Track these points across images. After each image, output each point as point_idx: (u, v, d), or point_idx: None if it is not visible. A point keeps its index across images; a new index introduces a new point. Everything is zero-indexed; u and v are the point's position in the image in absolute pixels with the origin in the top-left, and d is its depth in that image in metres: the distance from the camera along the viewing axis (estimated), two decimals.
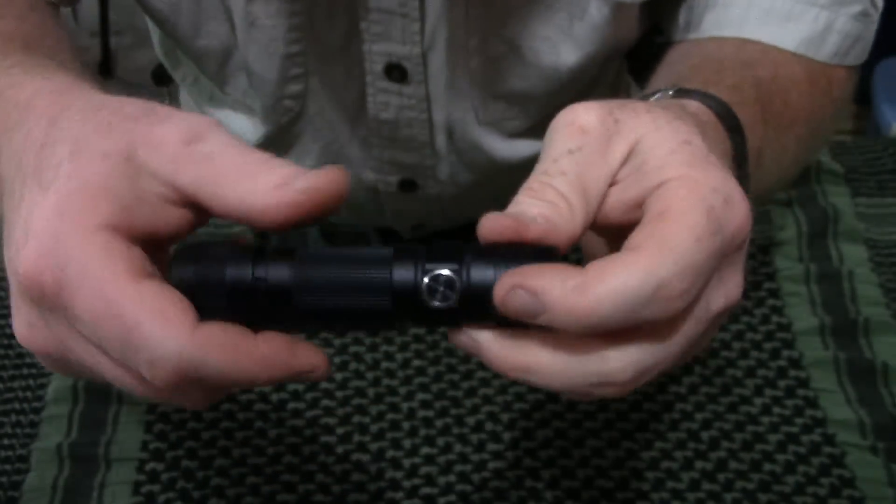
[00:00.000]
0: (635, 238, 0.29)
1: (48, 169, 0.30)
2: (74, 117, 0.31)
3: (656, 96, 0.39)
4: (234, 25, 0.51)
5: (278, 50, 0.51)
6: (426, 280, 0.29)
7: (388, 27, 0.49)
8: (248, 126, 0.59)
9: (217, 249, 0.30)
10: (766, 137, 0.43)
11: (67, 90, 0.34)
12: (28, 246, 0.29)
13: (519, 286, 0.28)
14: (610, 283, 0.27)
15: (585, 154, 0.31)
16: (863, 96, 1.59)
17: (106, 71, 2.17)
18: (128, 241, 0.29)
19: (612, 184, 0.31)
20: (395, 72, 0.51)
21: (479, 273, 0.29)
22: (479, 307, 0.29)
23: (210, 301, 0.29)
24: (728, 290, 0.31)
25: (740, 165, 0.39)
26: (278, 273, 0.29)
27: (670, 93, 0.39)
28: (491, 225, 0.29)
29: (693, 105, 0.37)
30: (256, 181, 0.29)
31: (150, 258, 0.30)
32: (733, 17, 0.48)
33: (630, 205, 0.31)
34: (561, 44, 0.51)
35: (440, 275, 0.29)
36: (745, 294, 0.58)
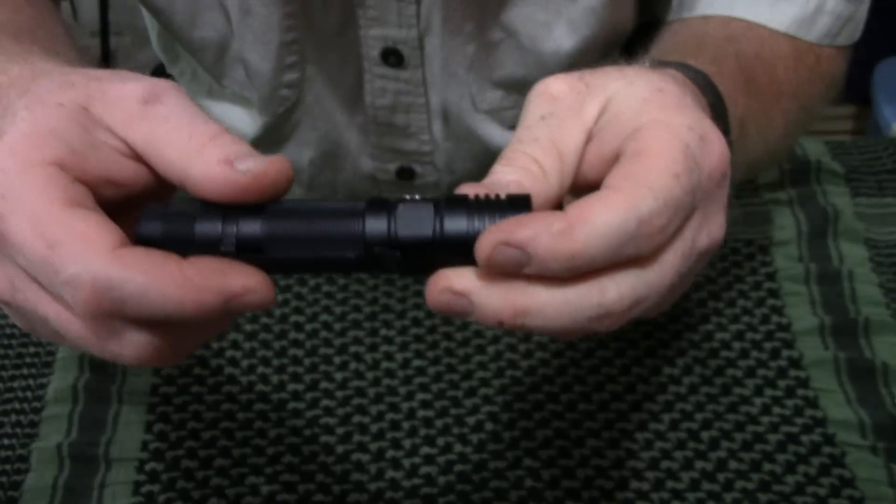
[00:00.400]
0: (613, 177, 0.29)
1: (7, 118, 0.31)
2: (43, 81, 0.32)
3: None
4: (229, 16, 0.51)
5: (273, 38, 0.51)
6: (397, 221, 0.29)
7: (384, 11, 0.49)
8: (246, 118, 0.59)
9: (187, 205, 0.30)
10: (750, 107, 0.43)
11: (49, 70, 0.34)
12: None
13: (504, 242, 0.27)
14: (594, 224, 0.27)
15: (557, 118, 0.31)
16: (863, 96, 1.59)
17: None
18: (73, 179, 0.30)
19: (587, 141, 0.31)
20: (392, 56, 0.51)
21: (454, 216, 0.29)
22: (454, 250, 0.28)
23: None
24: (711, 229, 0.31)
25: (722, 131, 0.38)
26: (249, 227, 0.29)
27: (647, 64, 0.39)
28: (465, 193, 0.29)
29: (671, 72, 0.37)
30: (202, 151, 0.29)
31: (116, 220, 0.30)
32: None
33: (608, 158, 0.31)
34: (558, 28, 0.51)
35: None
36: (744, 294, 0.59)
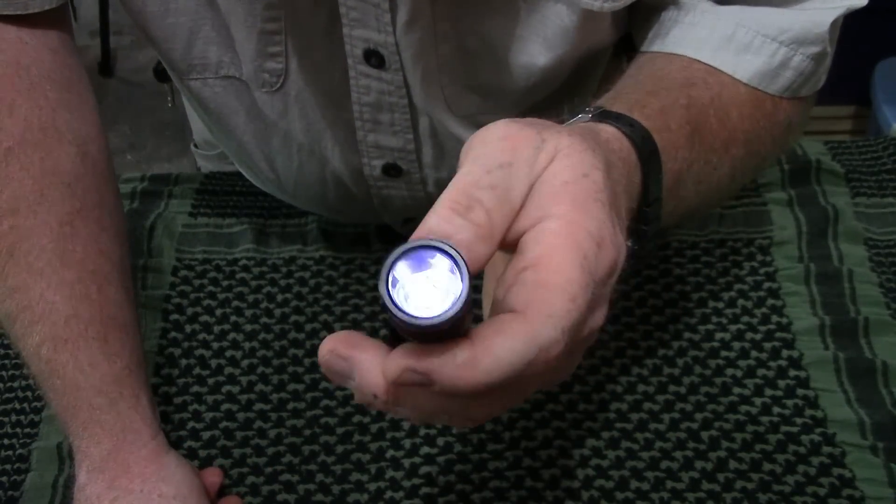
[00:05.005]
0: (515, 299, 0.30)
1: None
2: None
3: (579, 116, 0.40)
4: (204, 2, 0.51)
5: (255, 24, 0.51)
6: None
7: (364, 14, 0.49)
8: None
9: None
10: (691, 160, 0.44)
11: (128, 472, 0.47)
12: None
13: (410, 369, 0.29)
14: (497, 357, 0.28)
15: (515, 169, 0.31)
16: (863, 96, 1.59)
17: (106, 71, 2.17)
18: None
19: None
20: (374, 58, 0.51)
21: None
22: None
23: None
24: (594, 320, 0.32)
25: (650, 192, 0.39)
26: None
27: (590, 116, 0.39)
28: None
29: (608, 131, 0.38)
30: None
31: None
32: (695, 39, 0.48)
33: (519, 230, 0.31)
34: (533, 44, 0.51)
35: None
36: (744, 294, 0.59)
